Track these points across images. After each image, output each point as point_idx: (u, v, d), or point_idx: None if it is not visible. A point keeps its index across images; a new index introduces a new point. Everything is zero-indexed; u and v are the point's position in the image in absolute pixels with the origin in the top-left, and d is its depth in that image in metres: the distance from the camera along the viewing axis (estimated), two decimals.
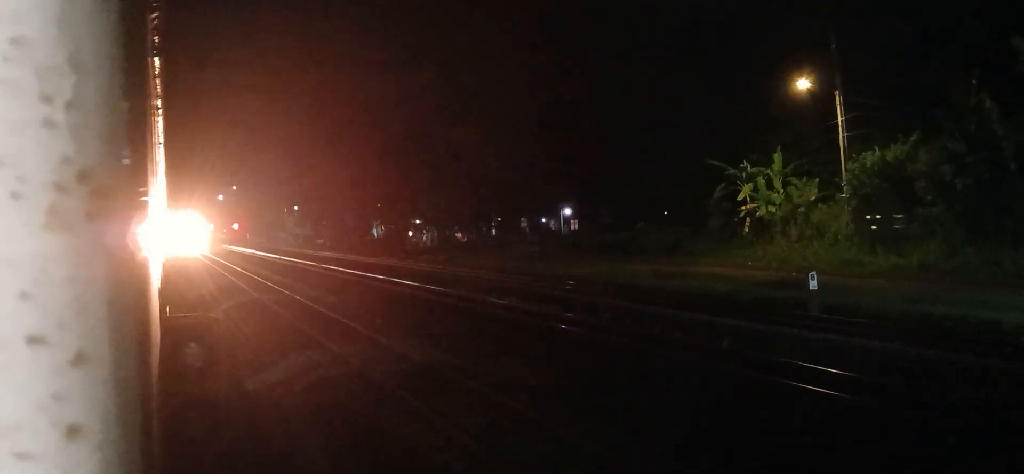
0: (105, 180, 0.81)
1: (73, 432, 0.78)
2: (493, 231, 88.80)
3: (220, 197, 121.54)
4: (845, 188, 37.68)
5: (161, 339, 6.18)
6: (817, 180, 41.40)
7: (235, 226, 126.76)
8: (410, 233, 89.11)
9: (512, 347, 17.05)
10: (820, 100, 40.52)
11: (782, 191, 42.59)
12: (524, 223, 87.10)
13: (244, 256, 68.12)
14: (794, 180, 42.43)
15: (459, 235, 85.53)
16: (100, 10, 0.81)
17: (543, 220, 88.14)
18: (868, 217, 35.96)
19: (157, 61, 7.90)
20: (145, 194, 1.08)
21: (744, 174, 44.47)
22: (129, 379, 0.85)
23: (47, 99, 0.77)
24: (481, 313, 22.75)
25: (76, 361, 0.78)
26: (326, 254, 69.45)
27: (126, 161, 0.85)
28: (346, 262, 52.61)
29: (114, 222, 0.82)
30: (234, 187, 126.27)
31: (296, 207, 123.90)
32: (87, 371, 0.79)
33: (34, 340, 0.77)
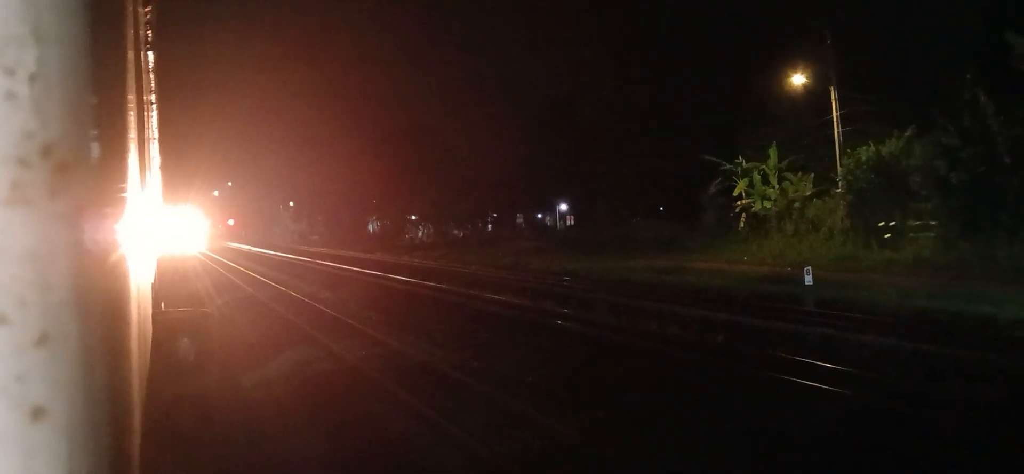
0: (70, 156, 0.79)
1: (37, 414, 0.76)
2: (489, 227, 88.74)
3: (215, 193, 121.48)
4: (840, 183, 37.69)
5: (153, 334, 6.15)
6: (812, 175, 41.39)
7: (230, 222, 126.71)
8: (407, 233, 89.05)
9: (508, 343, 17.04)
10: (815, 96, 40.59)
11: (777, 186, 42.62)
12: (520, 219, 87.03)
13: (239, 252, 68.06)
14: (789, 175, 42.45)
15: (455, 231, 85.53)
16: None
17: (539, 216, 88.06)
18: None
19: (151, 56, 7.86)
20: (123, 177, 1.06)
21: (739, 169, 44.50)
22: (97, 362, 0.83)
23: (9, 71, 0.75)
24: (477, 309, 22.74)
25: (40, 341, 0.76)
26: (321, 250, 69.39)
27: (94, 139, 0.83)
28: (341, 258, 52.55)
29: (80, 200, 0.80)
30: (229, 183, 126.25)
31: (291, 203, 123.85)
32: (51, 352, 0.76)
33: None
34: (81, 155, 0.81)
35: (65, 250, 0.78)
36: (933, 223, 32.95)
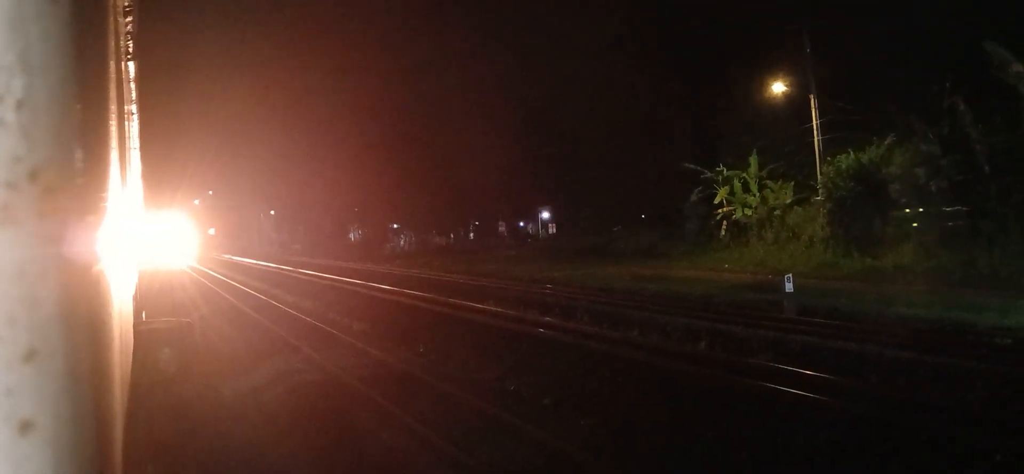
0: (57, 179, 0.82)
1: (25, 427, 0.79)
2: (471, 235, 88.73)
3: (196, 201, 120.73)
4: (820, 191, 37.92)
5: (135, 345, 6.15)
6: (792, 183, 41.65)
7: (211, 231, 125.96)
8: (389, 241, 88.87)
9: (490, 352, 17.04)
10: (795, 103, 40.80)
11: (758, 194, 42.86)
12: (502, 227, 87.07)
13: (221, 262, 67.78)
14: (770, 183, 42.69)
15: (437, 239, 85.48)
16: (51, 10, 0.82)
17: (521, 224, 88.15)
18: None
19: (132, 67, 7.86)
20: (104, 195, 1.09)
21: (720, 177, 44.72)
22: (83, 376, 0.86)
23: None
24: (459, 318, 22.73)
25: (27, 357, 0.79)
26: (303, 259, 69.16)
27: (79, 160, 0.86)
28: (323, 267, 52.39)
29: (66, 220, 0.83)
30: (210, 191, 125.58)
31: (272, 211, 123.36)
32: (39, 367, 0.80)
33: None
34: (67, 177, 0.85)
35: (52, 269, 0.81)
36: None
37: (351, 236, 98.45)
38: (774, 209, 41.83)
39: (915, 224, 32.13)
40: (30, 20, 0.80)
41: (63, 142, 0.84)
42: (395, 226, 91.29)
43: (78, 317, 0.85)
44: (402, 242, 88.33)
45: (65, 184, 0.84)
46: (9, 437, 0.78)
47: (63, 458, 0.82)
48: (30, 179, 0.80)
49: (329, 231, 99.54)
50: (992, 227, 28.47)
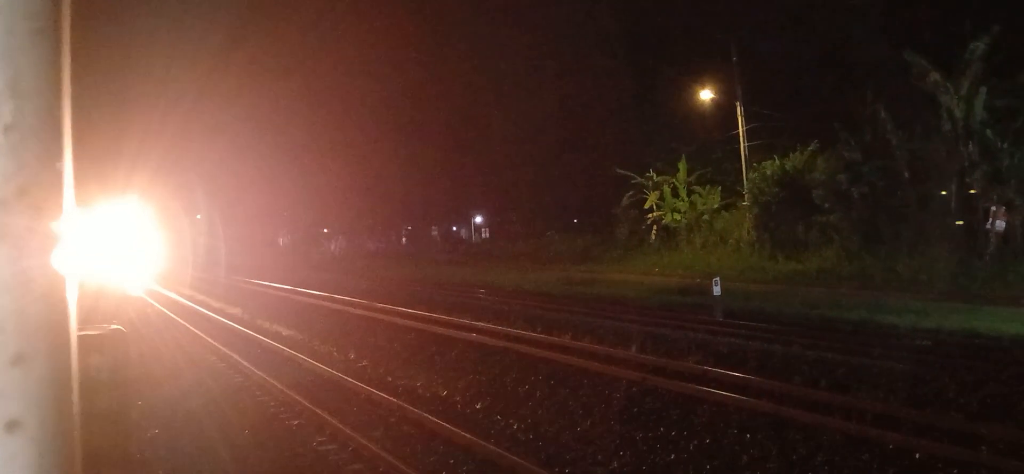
0: (41, 195, 0.89)
1: (11, 426, 0.86)
2: (404, 239, 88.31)
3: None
4: (746, 196, 38.60)
5: None
6: (720, 188, 42.32)
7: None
8: (320, 246, 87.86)
9: (422, 358, 17.04)
10: (723, 110, 41.48)
11: (687, 199, 43.47)
12: (435, 231, 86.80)
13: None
14: (698, 189, 43.34)
15: (369, 244, 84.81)
16: (37, 41, 0.89)
17: (454, 228, 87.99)
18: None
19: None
20: (71, 208, 1.15)
21: (650, 183, 45.24)
22: (64, 379, 0.92)
23: None
24: (391, 324, 22.60)
25: (15, 361, 0.86)
26: (231, 264, 67.92)
27: (61, 177, 0.93)
28: (252, 272, 51.60)
29: (49, 233, 0.90)
30: (134, 196, 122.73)
31: (198, 215, 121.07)
32: (25, 370, 0.87)
33: None
34: (50, 193, 0.91)
35: (37, 279, 0.88)
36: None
37: (280, 241, 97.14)
38: (702, 214, 42.50)
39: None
40: (19, 51, 0.87)
41: (48, 161, 0.91)
42: (325, 231, 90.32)
43: (59, 324, 0.92)
44: (333, 247, 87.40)
45: (49, 200, 0.91)
46: None
47: (47, 454, 0.89)
48: (18, 196, 0.87)
49: (258, 235, 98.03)
50: (912, 232, 29.33)
